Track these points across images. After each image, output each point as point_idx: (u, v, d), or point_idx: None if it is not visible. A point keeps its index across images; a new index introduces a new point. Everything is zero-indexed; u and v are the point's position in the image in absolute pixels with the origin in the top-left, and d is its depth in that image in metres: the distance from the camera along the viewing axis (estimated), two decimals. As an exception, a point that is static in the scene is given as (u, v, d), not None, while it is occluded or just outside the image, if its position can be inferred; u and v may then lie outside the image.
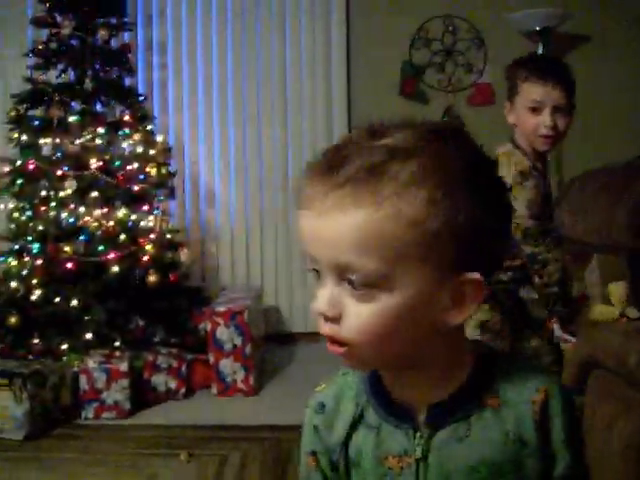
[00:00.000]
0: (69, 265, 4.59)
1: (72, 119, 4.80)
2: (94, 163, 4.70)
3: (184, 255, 5.05)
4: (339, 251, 1.01)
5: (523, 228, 2.83)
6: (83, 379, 4.24)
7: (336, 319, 1.04)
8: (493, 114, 5.56)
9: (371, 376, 1.19)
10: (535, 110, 2.94)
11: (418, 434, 1.14)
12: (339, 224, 1.00)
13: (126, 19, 5.25)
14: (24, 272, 4.63)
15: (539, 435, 1.12)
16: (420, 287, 1.02)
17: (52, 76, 4.96)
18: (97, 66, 4.95)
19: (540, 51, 5.61)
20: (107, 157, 4.82)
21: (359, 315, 1.02)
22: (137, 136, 4.91)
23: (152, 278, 4.63)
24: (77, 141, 4.77)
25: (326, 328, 1.06)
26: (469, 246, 1.04)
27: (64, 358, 4.37)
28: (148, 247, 4.71)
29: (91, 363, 4.27)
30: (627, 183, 4.16)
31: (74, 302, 4.53)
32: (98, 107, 5.00)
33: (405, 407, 1.16)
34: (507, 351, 2.92)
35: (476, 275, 1.05)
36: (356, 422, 1.20)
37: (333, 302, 1.04)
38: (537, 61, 3.04)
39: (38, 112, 4.91)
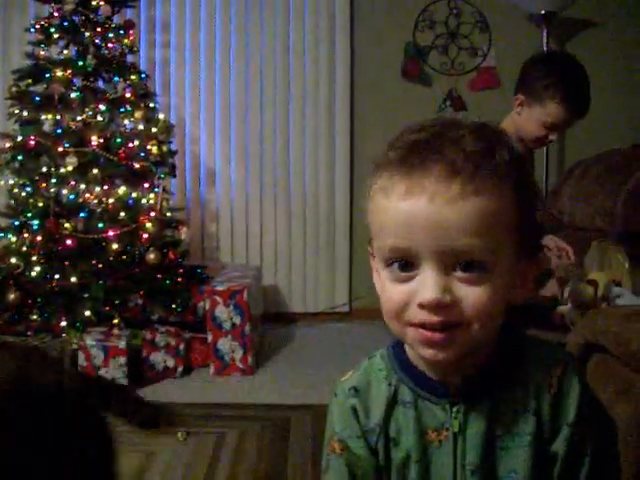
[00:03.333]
0: (69, 242, 4.57)
1: (73, 95, 4.78)
2: (95, 140, 4.68)
3: (184, 233, 5.05)
4: (459, 237, 1.06)
5: None
6: (81, 356, 4.25)
7: (451, 305, 1.07)
8: (496, 98, 5.57)
9: (399, 356, 1.23)
10: (547, 127, 3.01)
11: (455, 408, 1.19)
12: (463, 210, 1.05)
13: (129, -4, 5.23)
14: (24, 248, 4.62)
15: (553, 408, 1.17)
16: (510, 267, 1.12)
17: (54, 52, 4.93)
18: (99, 42, 4.92)
19: (544, 36, 5.59)
20: (108, 134, 4.80)
21: (477, 296, 1.08)
22: (138, 113, 4.88)
23: (152, 256, 4.62)
24: (78, 117, 4.75)
25: (437, 317, 1.08)
26: (534, 230, 1.17)
27: (63, 335, 4.37)
28: (148, 225, 4.70)
29: (89, 340, 4.28)
30: (627, 171, 4.17)
31: (73, 279, 4.53)
32: (100, 84, 4.97)
33: (438, 382, 1.20)
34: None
35: (540, 254, 1.14)
36: (391, 401, 1.23)
37: (444, 289, 1.07)
38: (576, 88, 3.00)
39: (39, 88, 4.87)
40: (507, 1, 5.70)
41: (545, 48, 5.60)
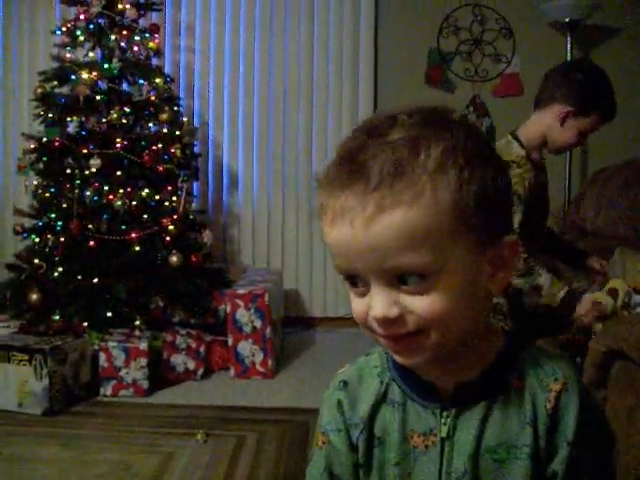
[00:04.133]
0: (92, 243, 4.61)
1: (98, 98, 4.81)
2: (119, 142, 4.70)
3: (206, 236, 5.06)
4: (387, 256, 1.01)
5: None
6: (102, 357, 4.26)
7: (399, 318, 1.04)
8: (520, 105, 5.55)
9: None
10: (584, 135, 3.08)
11: (445, 413, 1.16)
12: (382, 229, 1.00)
13: (155, -1, 5.25)
14: (47, 249, 4.65)
15: (549, 423, 1.13)
16: (467, 262, 1.04)
17: (79, 54, 4.95)
18: (124, 45, 4.94)
19: (568, 43, 5.59)
20: (132, 136, 4.83)
21: (424, 306, 1.03)
22: (163, 116, 4.91)
23: (174, 258, 4.63)
24: (103, 120, 4.79)
25: (390, 330, 1.06)
26: (497, 213, 1.08)
27: (84, 335, 4.39)
28: (171, 227, 4.72)
29: (111, 341, 4.30)
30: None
31: (95, 280, 4.55)
32: (124, 86, 5.00)
33: (430, 385, 1.17)
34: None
35: (512, 237, 1.09)
36: (380, 399, 1.21)
37: (391, 304, 1.04)
38: (613, 99, 3.06)
39: (64, 90, 4.91)
40: (531, 8, 5.70)
41: (569, 55, 5.60)
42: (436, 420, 1.16)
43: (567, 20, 5.53)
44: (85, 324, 4.48)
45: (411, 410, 1.19)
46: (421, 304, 1.03)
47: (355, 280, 1.08)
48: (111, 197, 4.66)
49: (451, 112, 1.12)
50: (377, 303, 1.05)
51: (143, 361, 4.28)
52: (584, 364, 2.66)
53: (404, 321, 1.04)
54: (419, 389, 1.18)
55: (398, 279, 1.03)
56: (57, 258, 4.60)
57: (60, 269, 4.58)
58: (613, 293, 2.96)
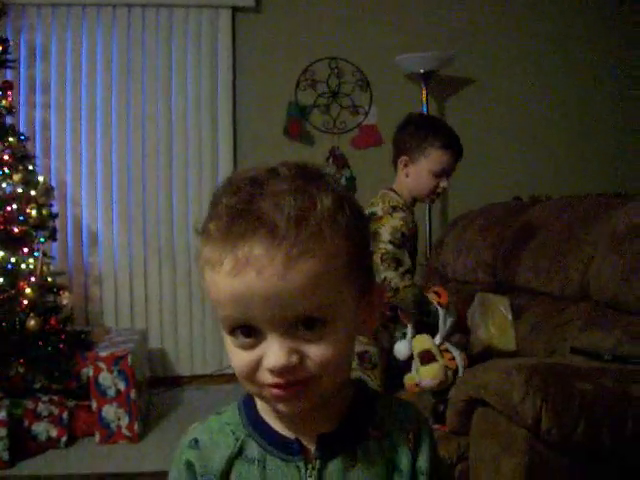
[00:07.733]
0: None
1: (-51, 159, 4.67)
2: (-28, 204, 4.57)
3: (66, 298, 4.93)
4: (293, 303, 1.03)
5: (382, 252, 2.88)
6: (-41, 429, 4.09)
7: (299, 364, 1.06)
8: (379, 156, 5.63)
9: (249, 411, 1.21)
10: (437, 174, 3.18)
11: (310, 466, 1.16)
12: (292, 278, 1.02)
13: (9, 56, 5.12)
14: None
15: (412, 460, 1.20)
16: (352, 307, 1.10)
17: None
18: (-25, 104, 4.82)
19: (424, 93, 5.72)
20: (-15, 198, 4.69)
21: (322, 352, 1.06)
22: (17, 176, 4.78)
23: (32, 322, 4.49)
24: (-46, 182, 4.64)
25: (287, 378, 1.07)
26: (369, 260, 1.16)
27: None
28: (28, 290, 4.58)
29: (-33, 412, 4.13)
30: (507, 223, 4.26)
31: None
32: (-24, 146, 4.86)
33: (290, 440, 1.17)
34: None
35: (379, 284, 1.14)
36: (235, 455, 1.19)
37: (291, 352, 1.05)
38: (448, 132, 3.26)
39: None
40: (387, 60, 5.81)
41: (425, 105, 5.73)
42: (300, 474, 1.16)
43: (421, 71, 5.66)
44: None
45: (272, 466, 1.17)
46: (319, 350, 1.06)
47: (248, 330, 1.07)
48: (-36, 262, 4.51)
49: (320, 167, 1.16)
50: (275, 352, 1.05)
51: (3, 431, 4.12)
52: (446, 412, 2.67)
53: (301, 368, 1.06)
54: (279, 443, 1.18)
55: (297, 327, 1.05)
56: None
57: None
58: (427, 358, 2.91)
